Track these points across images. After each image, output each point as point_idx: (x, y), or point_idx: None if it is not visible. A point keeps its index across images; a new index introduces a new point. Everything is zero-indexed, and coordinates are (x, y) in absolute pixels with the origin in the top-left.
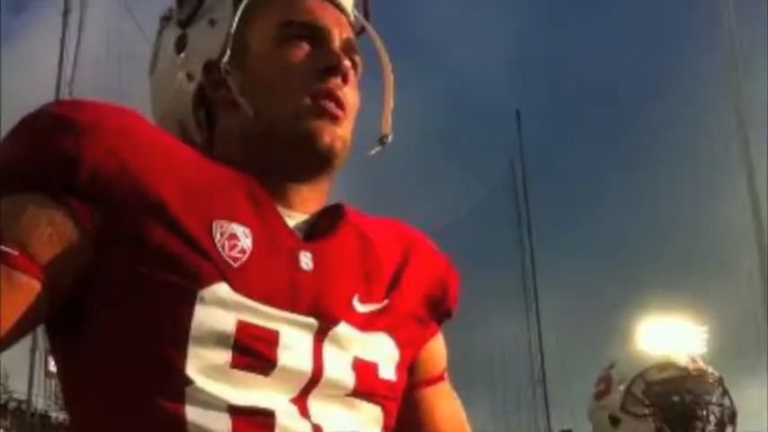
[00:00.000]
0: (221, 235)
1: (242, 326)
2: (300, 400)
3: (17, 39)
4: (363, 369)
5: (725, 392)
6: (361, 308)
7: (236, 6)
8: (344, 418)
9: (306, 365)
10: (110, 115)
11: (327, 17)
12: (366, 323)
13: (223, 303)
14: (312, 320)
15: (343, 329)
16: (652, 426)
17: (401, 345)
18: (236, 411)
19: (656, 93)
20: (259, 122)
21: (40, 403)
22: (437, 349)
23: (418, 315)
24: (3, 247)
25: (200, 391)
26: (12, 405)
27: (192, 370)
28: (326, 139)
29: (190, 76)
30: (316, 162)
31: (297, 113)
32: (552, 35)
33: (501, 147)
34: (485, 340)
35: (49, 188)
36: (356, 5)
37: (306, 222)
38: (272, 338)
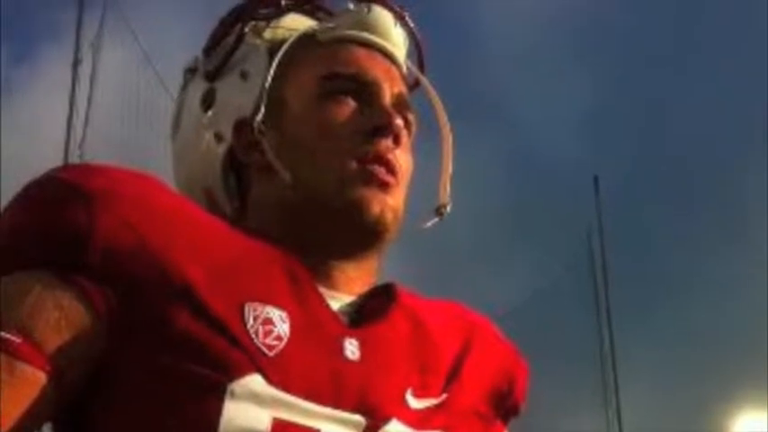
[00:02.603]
0: (254, 319)
1: (278, 424)
2: None
3: (20, 93)
4: None
5: None
6: (415, 403)
7: (271, 57)
8: None
9: None
10: (126, 182)
11: (376, 69)
12: (421, 421)
13: (256, 398)
14: (359, 418)
15: (394, 428)
16: None
17: None
18: None
19: (757, 157)
20: (298, 190)
21: None
22: None
23: (481, 412)
24: (3, 333)
25: None
26: None
27: None
28: (375, 208)
29: (218, 137)
30: (363, 235)
31: (341, 179)
32: (634, 89)
33: (576, 218)
34: None
35: (57, 266)
36: (409, 56)
37: (352, 305)
38: None
